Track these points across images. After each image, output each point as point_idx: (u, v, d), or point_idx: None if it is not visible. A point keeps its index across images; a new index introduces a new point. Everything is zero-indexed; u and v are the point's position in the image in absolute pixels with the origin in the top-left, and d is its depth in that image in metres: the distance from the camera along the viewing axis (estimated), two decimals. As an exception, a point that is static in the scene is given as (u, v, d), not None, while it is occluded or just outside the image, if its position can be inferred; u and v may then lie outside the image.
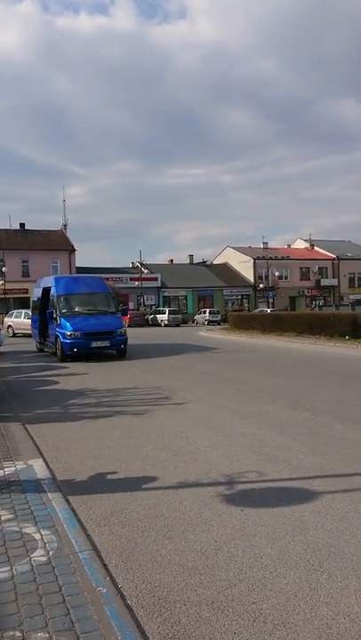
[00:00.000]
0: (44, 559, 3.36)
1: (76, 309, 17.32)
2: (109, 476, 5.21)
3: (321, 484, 4.79)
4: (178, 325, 49.91)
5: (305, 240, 76.61)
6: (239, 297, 66.32)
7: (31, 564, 3.29)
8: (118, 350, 17.28)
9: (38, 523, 3.92)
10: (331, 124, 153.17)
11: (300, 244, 76.93)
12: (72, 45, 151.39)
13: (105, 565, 3.36)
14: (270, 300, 62.71)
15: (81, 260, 59.83)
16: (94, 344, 16.42)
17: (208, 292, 64.12)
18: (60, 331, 16.63)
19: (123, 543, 3.73)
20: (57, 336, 16.82)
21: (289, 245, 78.25)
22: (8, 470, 5.21)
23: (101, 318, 17.17)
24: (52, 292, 17.90)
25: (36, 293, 21.33)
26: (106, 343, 16.74)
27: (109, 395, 10.29)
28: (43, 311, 18.71)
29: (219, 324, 47.43)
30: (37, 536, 3.70)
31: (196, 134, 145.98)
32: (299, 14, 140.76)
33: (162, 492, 4.75)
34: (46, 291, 18.88)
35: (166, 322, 50.19)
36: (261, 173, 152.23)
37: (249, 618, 2.80)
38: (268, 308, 56.24)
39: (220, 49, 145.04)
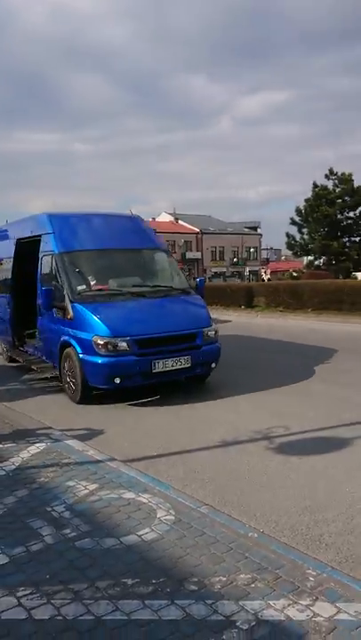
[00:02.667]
0: (172, 518, 3.55)
1: (110, 286, 7.63)
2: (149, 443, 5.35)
3: None
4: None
5: (169, 213, 78.30)
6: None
7: (167, 524, 3.46)
8: (199, 374, 7.60)
9: (130, 489, 4.03)
10: (183, 99, 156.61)
11: (165, 217, 78.49)
12: None
13: (229, 515, 3.64)
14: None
15: None
16: (159, 365, 6.81)
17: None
18: (79, 335, 6.94)
19: (224, 495, 4.01)
20: (65, 345, 7.26)
21: (154, 218, 79.38)
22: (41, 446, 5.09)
23: (165, 305, 7.65)
24: (48, 246, 8.02)
25: None
26: (183, 362, 7.02)
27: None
28: (19, 288, 9.37)
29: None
30: (143, 500, 3.84)
31: (43, 98, 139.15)
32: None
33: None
34: (26, 246, 8.99)
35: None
36: (114, 144, 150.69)
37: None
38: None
39: (70, 8, 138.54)
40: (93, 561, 3.03)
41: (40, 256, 8.18)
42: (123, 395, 7.02)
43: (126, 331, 6.71)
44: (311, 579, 2.81)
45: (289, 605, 2.58)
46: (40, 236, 8.33)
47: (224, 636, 2.37)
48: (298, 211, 31.98)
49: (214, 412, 6.48)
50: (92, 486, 4.10)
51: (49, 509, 3.71)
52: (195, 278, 10.16)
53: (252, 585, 2.76)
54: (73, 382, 7.05)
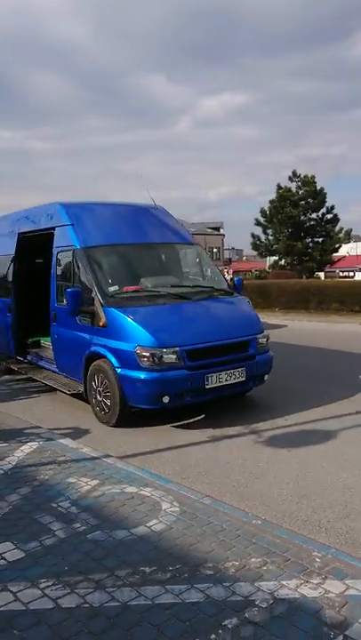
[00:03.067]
0: (177, 510, 3.68)
1: (142, 286, 6.53)
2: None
3: None
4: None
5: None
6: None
7: (173, 515, 3.59)
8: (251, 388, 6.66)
9: (131, 483, 4.13)
10: (142, 99, 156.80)
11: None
12: None
13: (231, 505, 3.80)
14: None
15: None
16: (213, 380, 5.79)
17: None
18: (116, 345, 5.80)
19: (221, 487, 4.17)
20: (94, 357, 6.13)
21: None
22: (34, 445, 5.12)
23: (211, 308, 6.55)
24: (64, 241, 6.86)
25: None
26: (238, 374, 6.03)
27: None
28: (20, 289, 8.17)
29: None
30: (146, 493, 3.96)
31: (1, 93, 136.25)
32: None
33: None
34: (29, 241, 8.04)
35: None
36: (75, 142, 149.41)
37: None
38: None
39: (29, 2, 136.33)
40: (108, 552, 3.13)
41: (54, 252, 7.00)
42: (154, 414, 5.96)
43: (175, 340, 5.64)
44: (318, 560, 3.00)
45: (301, 584, 2.75)
46: (52, 229, 7.13)
47: (246, 614, 2.52)
48: (263, 212, 32.45)
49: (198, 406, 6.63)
50: (93, 482, 4.18)
51: (54, 505, 3.78)
52: (235, 279, 8.76)
53: (264, 567, 2.92)
54: (106, 401, 5.84)
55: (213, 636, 2.37)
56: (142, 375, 5.51)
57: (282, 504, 3.87)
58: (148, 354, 5.49)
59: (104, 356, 5.86)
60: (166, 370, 5.52)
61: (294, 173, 32.94)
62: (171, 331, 5.79)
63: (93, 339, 6.08)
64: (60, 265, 6.94)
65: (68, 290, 6.16)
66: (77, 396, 6.59)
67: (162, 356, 5.51)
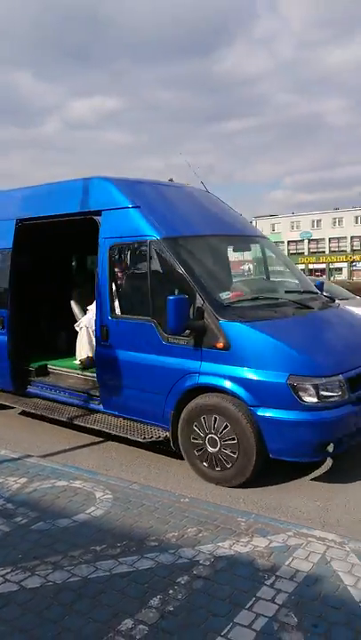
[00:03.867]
0: (111, 497, 3.98)
1: (243, 291, 5.33)
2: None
3: None
4: None
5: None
6: None
7: (108, 502, 3.89)
8: None
9: (59, 478, 4.34)
10: (9, 95, 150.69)
11: None
12: None
13: (158, 488, 4.19)
14: None
15: None
16: None
17: None
18: (250, 375, 4.17)
19: (147, 475, 4.54)
20: (197, 391, 4.48)
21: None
22: None
23: (337, 320, 5.21)
24: (126, 229, 4.98)
25: None
26: None
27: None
28: (20, 297, 6.25)
29: None
30: (77, 485, 4.20)
31: None
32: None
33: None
34: (37, 231, 6.11)
35: None
36: None
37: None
38: None
39: None
40: (56, 538, 3.34)
41: (104, 245, 5.11)
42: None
43: (336, 365, 4.27)
44: (243, 524, 3.50)
45: (234, 544, 3.24)
46: (91, 213, 5.25)
47: (194, 572, 2.93)
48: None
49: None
50: (22, 480, 4.30)
51: (-11, 504, 3.86)
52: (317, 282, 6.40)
53: (200, 535, 3.36)
54: (226, 453, 4.27)
55: (171, 592, 2.75)
56: (302, 416, 4.03)
57: (202, 484, 4.36)
58: (309, 386, 4.04)
59: (224, 391, 4.30)
60: (332, 407, 4.09)
61: (171, 180, 34.21)
62: (324, 352, 4.47)
63: (202, 366, 4.41)
64: (116, 262, 5.13)
65: (171, 298, 4.27)
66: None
67: (327, 388, 4.09)
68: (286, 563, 2.99)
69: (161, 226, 4.83)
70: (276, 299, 5.16)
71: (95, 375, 5.41)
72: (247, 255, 6.39)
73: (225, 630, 2.44)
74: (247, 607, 2.60)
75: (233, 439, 4.22)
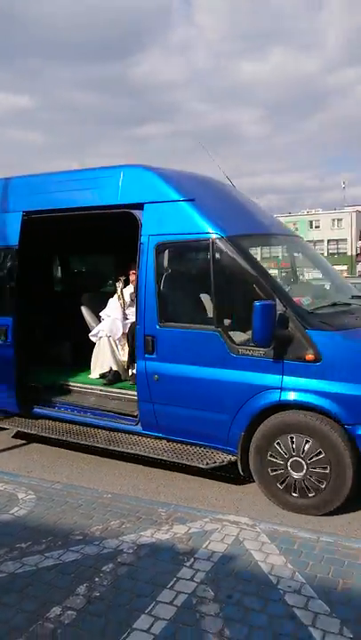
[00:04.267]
0: (34, 497, 4.05)
1: (310, 295, 5.02)
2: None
3: None
4: None
5: None
6: None
7: (31, 502, 3.96)
8: None
9: (-20, 482, 4.33)
10: None
11: None
12: None
13: (83, 486, 4.31)
14: None
15: None
16: None
17: None
18: (348, 390, 3.77)
19: (69, 474, 4.63)
20: (276, 409, 3.98)
21: None
22: None
23: None
24: (177, 225, 4.35)
25: None
26: None
27: None
28: (26, 303, 5.43)
29: None
30: (0, 487, 4.21)
31: None
32: None
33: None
34: (48, 226, 5.33)
35: None
36: None
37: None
38: None
39: None
40: (-21, 539, 3.37)
41: (148, 242, 4.47)
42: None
43: None
44: (163, 514, 3.72)
45: (155, 532, 3.45)
46: (133, 206, 4.58)
47: (119, 559, 3.11)
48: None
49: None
50: None
51: None
52: None
53: (123, 526, 3.54)
54: (314, 479, 3.84)
55: (97, 579, 2.90)
56: None
57: (125, 480, 4.53)
58: None
59: (312, 408, 3.87)
60: None
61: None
62: None
63: (283, 380, 3.94)
64: (165, 263, 4.49)
65: (258, 304, 3.77)
66: None
67: None
68: (204, 545, 3.25)
69: (224, 223, 4.29)
70: (348, 304, 4.70)
71: (123, 391, 5.01)
72: (296, 256, 5.79)
73: (148, 608, 2.64)
74: (169, 586, 2.82)
75: (324, 461, 3.77)
